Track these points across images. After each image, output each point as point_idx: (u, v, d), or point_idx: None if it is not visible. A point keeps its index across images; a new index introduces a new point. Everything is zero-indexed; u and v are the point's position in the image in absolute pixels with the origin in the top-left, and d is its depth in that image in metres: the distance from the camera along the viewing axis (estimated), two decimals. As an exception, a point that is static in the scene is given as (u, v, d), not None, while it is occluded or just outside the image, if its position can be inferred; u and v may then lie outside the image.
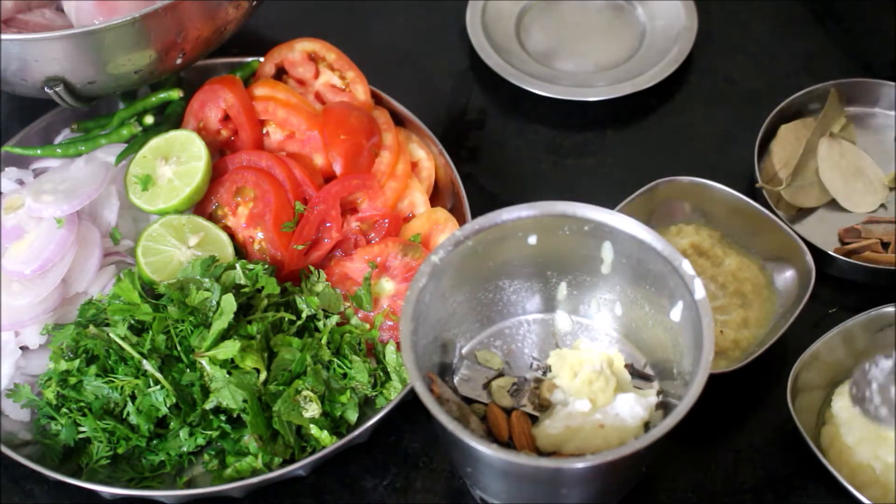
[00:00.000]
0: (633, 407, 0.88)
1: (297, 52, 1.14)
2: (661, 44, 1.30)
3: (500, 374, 0.94)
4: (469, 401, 0.93)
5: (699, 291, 0.84)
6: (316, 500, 0.96)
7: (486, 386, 0.93)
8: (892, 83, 1.20)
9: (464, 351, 0.95)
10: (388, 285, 1.02)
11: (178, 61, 1.08)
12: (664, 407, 0.90)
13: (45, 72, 1.03)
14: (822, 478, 0.90)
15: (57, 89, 1.04)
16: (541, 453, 0.88)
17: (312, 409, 0.93)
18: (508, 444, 0.89)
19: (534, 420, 0.91)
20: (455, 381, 0.94)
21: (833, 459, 0.92)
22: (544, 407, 0.92)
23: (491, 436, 0.90)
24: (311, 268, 1.01)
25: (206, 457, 0.94)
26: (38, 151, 1.12)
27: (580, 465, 0.79)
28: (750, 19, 1.35)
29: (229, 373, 0.91)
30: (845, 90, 1.20)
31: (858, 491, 0.88)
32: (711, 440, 0.98)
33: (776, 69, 1.30)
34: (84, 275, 1.00)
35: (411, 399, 0.91)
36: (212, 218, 1.04)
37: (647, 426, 0.88)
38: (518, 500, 0.88)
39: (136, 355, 0.92)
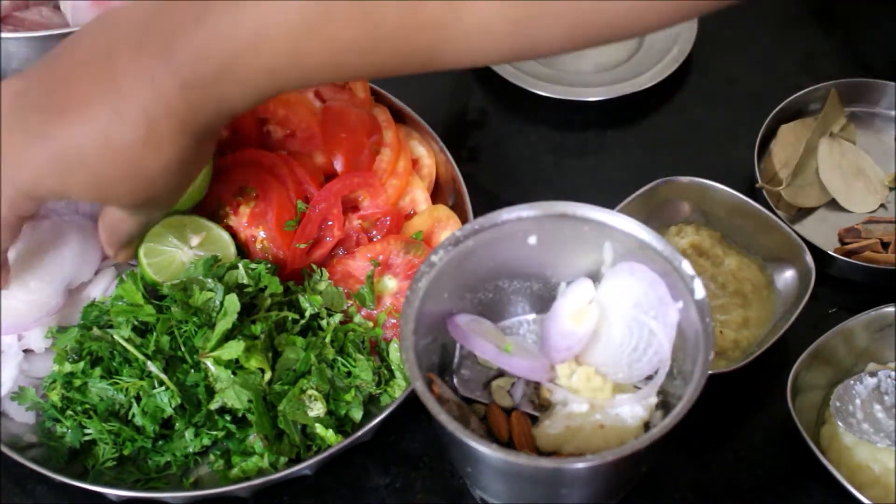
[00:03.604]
0: (632, 407, 0.89)
1: (297, 50, 1.14)
2: (661, 44, 1.30)
3: (500, 374, 0.94)
4: (469, 401, 0.93)
5: (699, 291, 0.84)
6: (317, 499, 0.96)
7: (486, 386, 0.94)
8: (892, 83, 1.20)
9: (464, 351, 0.95)
10: (390, 283, 1.02)
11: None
12: (664, 407, 0.90)
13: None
14: (822, 478, 0.90)
15: None
16: (541, 453, 0.88)
17: (317, 408, 0.93)
18: (508, 444, 0.89)
19: (534, 420, 0.91)
20: (455, 381, 0.94)
21: (832, 459, 0.92)
22: (544, 407, 0.92)
23: (491, 436, 0.90)
24: (314, 266, 1.02)
25: (211, 457, 0.94)
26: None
27: (580, 465, 0.79)
28: (750, 19, 1.35)
29: (234, 373, 0.91)
30: (845, 90, 1.20)
31: (858, 491, 0.88)
32: (711, 440, 0.99)
33: (776, 69, 1.30)
34: (85, 267, 1.00)
35: (412, 398, 0.91)
36: (213, 217, 1.04)
37: (647, 426, 0.88)
38: (518, 500, 0.88)
39: (141, 357, 0.92)
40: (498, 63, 1.15)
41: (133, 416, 0.92)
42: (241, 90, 0.77)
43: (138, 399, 0.92)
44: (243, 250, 1.04)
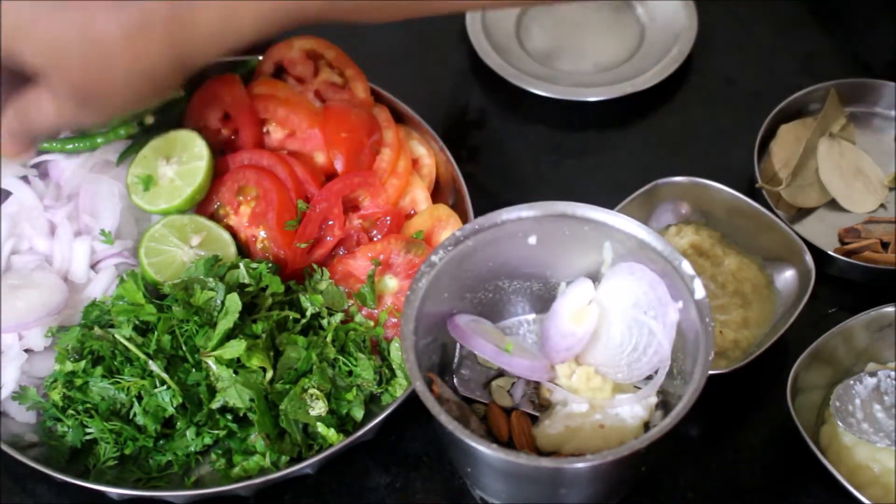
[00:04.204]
0: (632, 407, 0.89)
1: (295, 50, 1.14)
2: (661, 44, 1.30)
3: (500, 374, 0.94)
4: (469, 401, 0.93)
5: (699, 291, 0.85)
6: (318, 499, 0.96)
7: (486, 386, 0.94)
8: (892, 83, 1.20)
9: (464, 351, 0.95)
10: (391, 282, 1.02)
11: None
12: (664, 407, 0.90)
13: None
14: (822, 478, 0.90)
15: None
16: (541, 453, 0.89)
17: (319, 407, 0.93)
18: (508, 444, 0.90)
19: (534, 420, 0.91)
20: (455, 381, 0.94)
21: (832, 459, 0.92)
22: (544, 407, 0.92)
23: (491, 436, 0.90)
24: (315, 266, 1.02)
25: (213, 456, 0.94)
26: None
27: (580, 465, 0.80)
28: (750, 19, 1.35)
29: (236, 372, 0.92)
30: (845, 90, 1.20)
31: (858, 490, 0.88)
32: (711, 440, 0.99)
33: (776, 69, 1.30)
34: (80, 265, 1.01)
35: (413, 398, 0.91)
36: (214, 217, 1.05)
37: (646, 426, 0.89)
38: (518, 500, 0.88)
39: (142, 356, 0.92)
40: (494, 9, 1.12)
41: (134, 415, 0.93)
42: (252, 19, 0.75)
43: (139, 398, 0.92)
44: (244, 250, 1.04)
